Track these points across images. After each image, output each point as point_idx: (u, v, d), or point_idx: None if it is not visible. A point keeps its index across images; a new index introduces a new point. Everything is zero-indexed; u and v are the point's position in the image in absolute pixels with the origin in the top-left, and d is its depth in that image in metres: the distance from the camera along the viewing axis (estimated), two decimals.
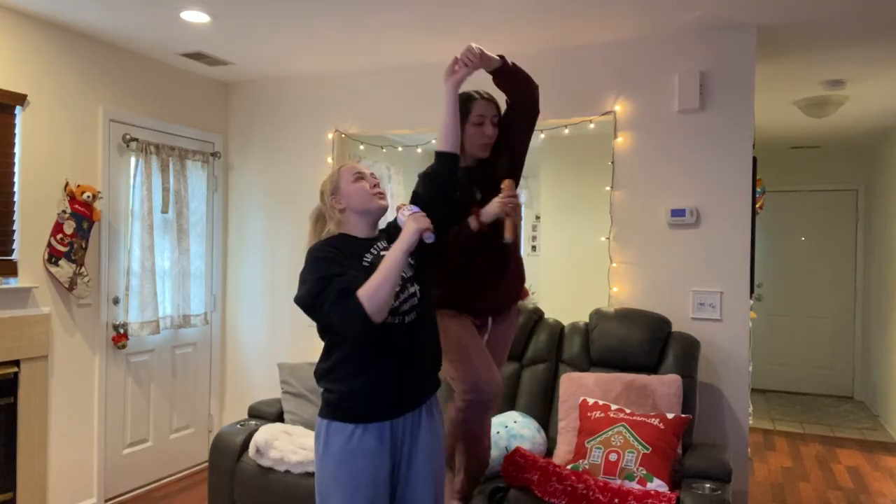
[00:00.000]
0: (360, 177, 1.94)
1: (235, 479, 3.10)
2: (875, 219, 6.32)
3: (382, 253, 1.89)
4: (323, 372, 1.87)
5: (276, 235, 4.45)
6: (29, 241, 3.33)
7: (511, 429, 2.94)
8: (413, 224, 1.81)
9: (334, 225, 1.95)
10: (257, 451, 3.05)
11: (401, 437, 1.88)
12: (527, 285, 2.50)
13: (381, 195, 1.95)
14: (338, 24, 3.37)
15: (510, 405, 3.20)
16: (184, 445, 4.33)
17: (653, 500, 2.43)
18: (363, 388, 1.82)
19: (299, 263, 1.94)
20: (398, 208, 1.95)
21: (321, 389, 1.90)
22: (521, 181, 2.29)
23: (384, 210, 1.95)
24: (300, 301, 1.79)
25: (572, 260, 5.49)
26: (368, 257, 1.88)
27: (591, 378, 2.98)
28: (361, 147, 4.79)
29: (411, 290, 1.89)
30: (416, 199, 2.00)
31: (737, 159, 3.32)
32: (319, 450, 1.85)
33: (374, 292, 1.70)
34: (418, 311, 1.89)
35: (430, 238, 1.82)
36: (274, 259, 4.45)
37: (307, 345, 4.27)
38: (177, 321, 4.16)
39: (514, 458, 2.69)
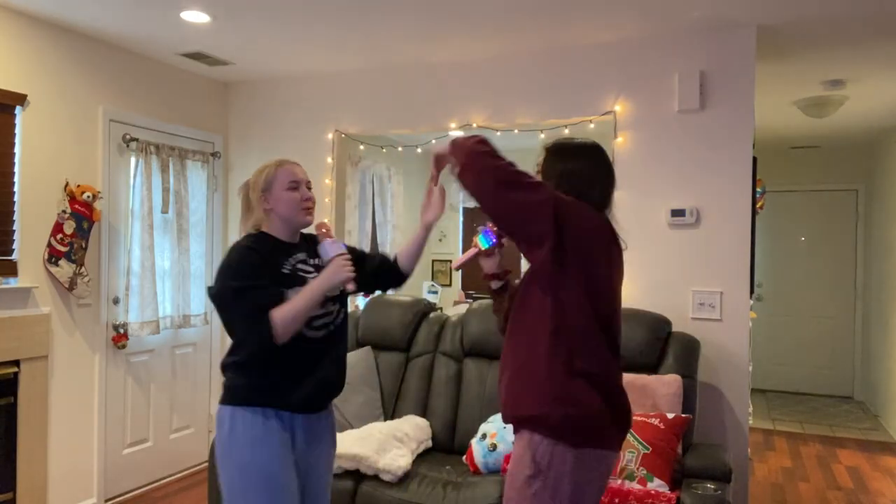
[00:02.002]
0: (294, 186, 1.97)
1: None
2: (875, 219, 6.32)
3: (300, 265, 1.94)
4: (230, 364, 1.93)
5: None
6: (29, 241, 3.33)
7: (511, 428, 2.94)
8: (337, 275, 1.85)
9: (257, 220, 2.00)
10: None
11: (301, 437, 1.95)
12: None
13: (309, 210, 1.99)
14: (338, 24, 3.37)
15: None
16: (184, 445, 4.33)
17: (653, 500, 2.43)
18: (267, 382, 1.89)
19: None
20: (320, 229, 1.96)
21: (224, 377, 1.98)
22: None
23: (308, 225, 2.01)
24: (215, 298, 1.86)
25: None
26: (287, 267, 1.93)
27: None
28: (361, 147, 4.79)
29: (331, 308, 1.96)
30: None
31: (737, 159, 3.32)
32: (224, 435, 1.89)
33: (289, 320, 1.80)
34: (330, 329, 1.96)
35: (351, 288, 1.89)
36: None
37: None
38: (177, 321, 4.16)
39: None
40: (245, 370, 1.90)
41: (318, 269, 1.98)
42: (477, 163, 1.63)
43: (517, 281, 1.86)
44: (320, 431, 2.01)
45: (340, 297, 2.01)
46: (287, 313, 1.80)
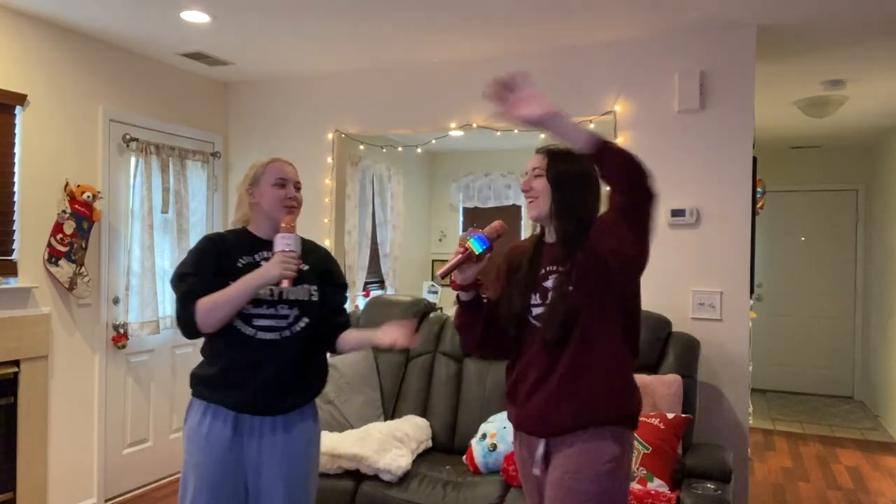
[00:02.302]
0: (281, 183, 1.97)
1: None
2: (875, 219, 6.32)
3: (262, 263, 1.93)
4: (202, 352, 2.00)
5: None
6: (29, 241, 3.33)
7: (511, 428, 2.94)
8: (275, 268, 1.81)
9: (244, 214, 2.02)
10: None
11: (248, 438, 1.90)
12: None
13: (291, 209, 1.97)
14: (338, 23, 3.37)
15: None
16: None
17: (653, 500, 2.43)
18: (214, 373, 1.91)
19: None
20: (280, 223, 1.90)
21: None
22: None
23: None
24: (171, 278, 1.94)
25: None
26: (244, 261, 1.92)
27: None
28: (361, 147, 4.79)
29: (284, 312, 1.92)
30: None
31: (737, 159, 3.32)
32: (183, 423, 1.98)
33: (210, 308, 1.82)
34: (283, 335, 1.91)
35: (285, 286, 1.83)
36: None
37: None
38: None
39: (515, 457, 2.69)
40: (203, 362, 1.96)
41: (301, 273, 1.95)
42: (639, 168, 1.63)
43: (485, 297, 1.85)
44: (275, 436, 1.92)
45: (301, 305, 1.94)
46: (209, 302, 1.82)
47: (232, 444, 1.89)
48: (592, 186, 1.80)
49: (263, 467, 1.91)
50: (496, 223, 1.76)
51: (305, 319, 1.95)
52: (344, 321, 2.08)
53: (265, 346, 1.89)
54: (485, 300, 1.85)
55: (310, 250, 2.04)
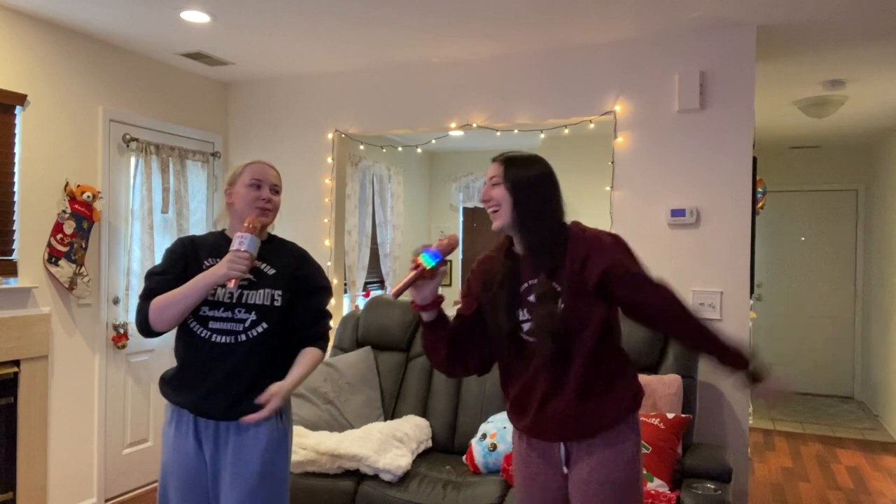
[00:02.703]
0: (256, 184, 1.94)
1: None
2: (875, 219, 6.32)
3: None
4: None
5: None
6: (29, 241, 3.33)
7: (511, 428, 2.94)
8: (219, 268, 1.79)
9: (222, 215, 2.03)
10: None
11: (205, 443, 1.89)
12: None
13: (264, 211, 1.92)
14: (338, 23, 3.37)
15: None
16: None
17: (653, 500, 2.43)
18: (174, 374, 1.93)
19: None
20: (245, 223, 1.86)
21: None
22: None
23: (264, 225, 1.93)
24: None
25: None
26: (210, 262, 1.92)
27: None
28: (361, 147, 4.79)
29: (241, 315, 1.87)
30: None
31: (737, 159, 3.32)
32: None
33: (163, 306, 1.82)
34: (239, 339, 1.86)
35: (231, 286, 1.78)
36: None
37: None
38: None
39: (516, 458, 2.69)
40: (174, 365, 1.97)
41: (261, 274, 1.92)
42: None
43: (454, 311, 1.86)
44: (227, 443, 1.87)
45: (260, 309, 1.88)
46: (162, 300, 1.83)
47: (196, 449, 1.89)
48: (553, 190, 1.76)
49: (218, 475, 1.88)
50: (448, 237, 1.69)
51: (264, 325, 1.88)
52: (307, 336, 1.98)
53: (219, 349, 1.85)
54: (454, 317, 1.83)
55: (279, 253, 1.98)
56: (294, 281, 1.96)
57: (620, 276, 1.67)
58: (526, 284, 1.76)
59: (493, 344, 1.81)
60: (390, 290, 1.72)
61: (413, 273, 1.65)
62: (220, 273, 1.79)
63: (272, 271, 1.94)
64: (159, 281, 1.88)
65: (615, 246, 1.72)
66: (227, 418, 1.87)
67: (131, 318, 3.85)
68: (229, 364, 1.85)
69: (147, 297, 1.86)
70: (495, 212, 1.73)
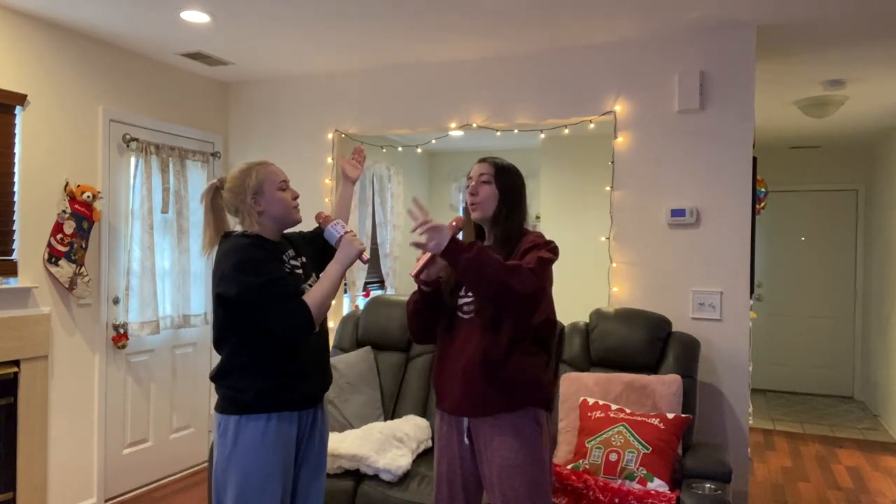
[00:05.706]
0: (284, 187, 2.02)
1: None
2: (875, 219, 6.32)
3: (292, 262, 2.01)
4: (233, 371, 1.91)
5: None
6: (29, 241, 3.33)
7: None
8: (351, 249, 1.94)
9: (247, 224, 2.00)
10: None
11: (303, 430, 2.02)
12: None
13: (299, 208, 2.07)
14: (337, 24, 3.37)
15: None
16: (184, 445, 4.33)
17: (653, 500, 2.43)
18: (276, 382, 1.90)
19: None
20: (320, 218, 2.03)
21: (221, 388, 1.95)
22: None
23: (298, 223, 2.06)
24: (239, 296, 1.82)
25: (572, 260, 5.49)
26: (287, 266, 1.98)
27: (591, 378, 2.98)
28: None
29: None
30: None
31: (737, 159, 3.32)
32: (228, 446, 1.89)
33: (321, 302, 1.87)
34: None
35: (366, 259, 1.98)
36: None
37: None
38: (177, 321, 4.16)
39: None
40: (250, 375, 1.88)
41: (305, 266, 2.07)
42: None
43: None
44: (314, 426, 2.06)
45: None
46: (317, 298, 1.86)
47: (290, 446, 1.95)
48: (524, 198, 2.09)
49: (305, 458, 2.03)
50: (455, 219, 1.87)
51: None
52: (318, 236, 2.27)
53: (319, 334, 2.04)
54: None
55: (297, 245, 2.15)
56: (314, 253, 2.21)
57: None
58: None
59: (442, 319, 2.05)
60: (412, 270, 1.92)
61: (427, 256, 1.88)
62: (353, 252, 1.92)
63: (305, 260, 2.11)
64: (285, 284, 1.87)
65: (540, 244, 1.97)
66: (319, 401, 2.07)
67: (131, 318, 3.85)
68: (322, 342, 2.08)
69: (291, 300, 1.84)
70: (478, 205, 2.02)
